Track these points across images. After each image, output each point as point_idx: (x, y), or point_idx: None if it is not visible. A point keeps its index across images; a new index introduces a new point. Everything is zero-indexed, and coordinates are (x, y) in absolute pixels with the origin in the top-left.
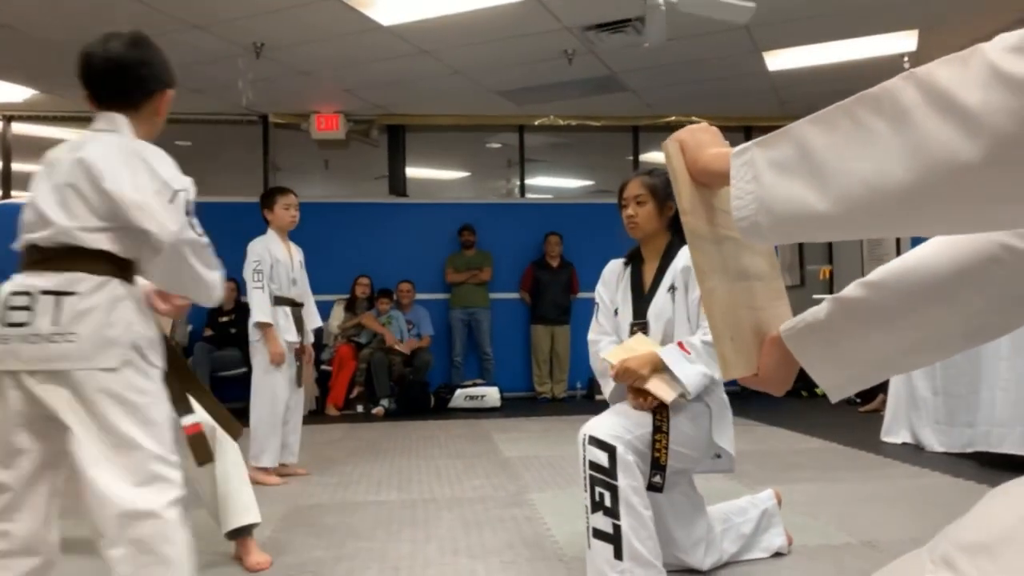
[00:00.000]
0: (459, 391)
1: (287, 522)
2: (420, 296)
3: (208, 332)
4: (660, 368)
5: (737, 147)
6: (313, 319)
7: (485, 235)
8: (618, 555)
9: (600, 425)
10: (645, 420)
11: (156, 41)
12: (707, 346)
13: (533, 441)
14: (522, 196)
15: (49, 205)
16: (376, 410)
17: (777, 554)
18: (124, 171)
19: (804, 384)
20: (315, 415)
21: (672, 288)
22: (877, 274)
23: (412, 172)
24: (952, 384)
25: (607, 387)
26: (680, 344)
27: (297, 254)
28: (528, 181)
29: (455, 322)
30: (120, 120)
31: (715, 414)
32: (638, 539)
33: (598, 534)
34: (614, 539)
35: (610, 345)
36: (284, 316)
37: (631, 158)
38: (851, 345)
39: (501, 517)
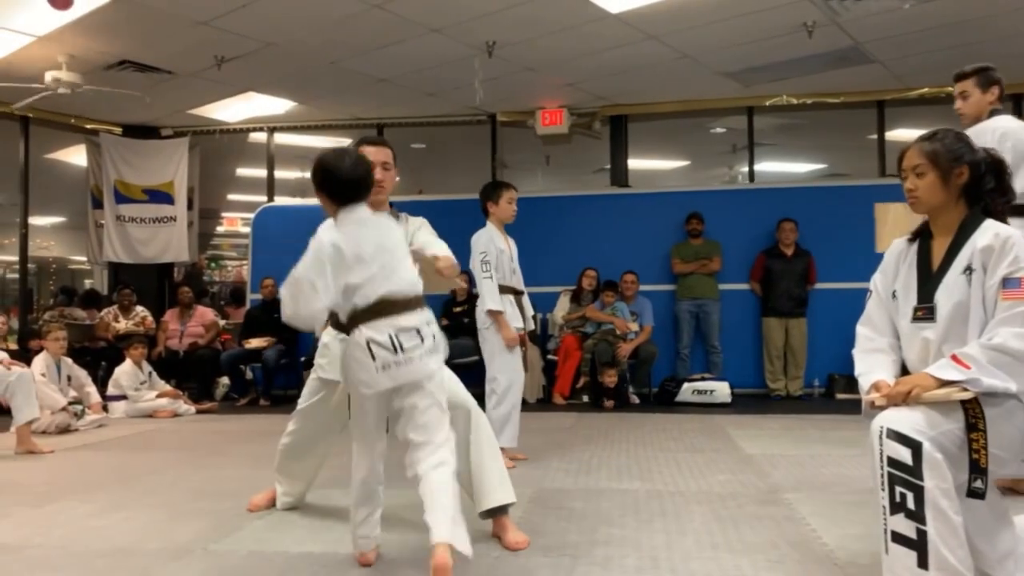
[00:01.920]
0: (686, 385)
1: (535, 505)
2: (644, 287)
3: (443, 322)
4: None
5: None
6: (529, 309)
7: (713, 224)
8: (923, 564)
9: (901, 417)
10: (954, 415)
11: (398, 48)
12: (994, 352)
13: (773, 439)
14: (751, 181)
15: None
16: (632, 399)
17: None
18: None
19: None
20: (543, 403)
21: (968, 269)
22: None
23: (632, 163)
24: None
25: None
26: (954, 357)
27: (514, 247)
28: (756, 167)
29: (682, 313)
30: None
31: None
32: (947, 548)
33: (898, 538)
34: (918, 546)
35: (873, 357)
36: (509, 304)
37: (875, 136)
38: None
39: (757, 515)
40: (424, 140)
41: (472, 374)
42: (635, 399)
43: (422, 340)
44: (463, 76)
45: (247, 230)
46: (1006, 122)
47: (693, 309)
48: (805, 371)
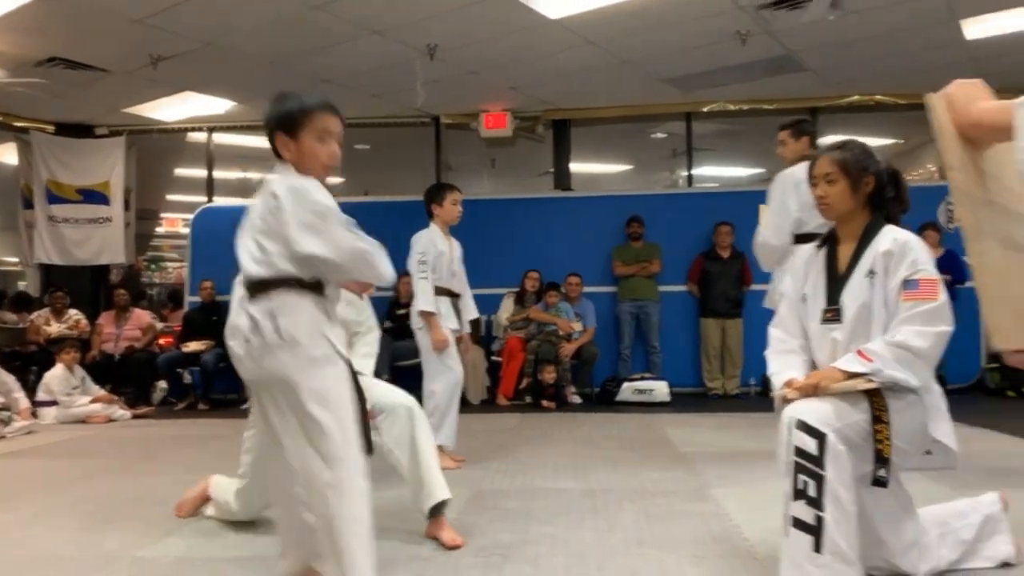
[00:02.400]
0: (626, 384)
1: (472, 505)
2: (587, 289)
3: (387, 324)
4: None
5: (1020, 98)
6: (471, 311)
7: (653, 227)
8: (818, 548)
9: (810, 409)
10: (860, 407)
11: (340, 49)
12: (896, 348)
13: (708, 437)
14: (690, 186)
15: None
16: (574, 399)
17: (1005, 564)
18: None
19: (1011, 383)
20: (486, 405)
21: (871, 272)
22: None
23: (575, 167)
24: None
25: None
26: (859, 352)
27: (457, 248)
28: (695, 171)
29: (623, 315)
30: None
31: (929, 404)
32: (841, 534)
33: (798, 523)
34: (815, 531)
35: (785, 358)
36: (445, 305)
37: None
38: None
39: (685, 511)
40: (369, 141)
41: (416, 376)
42: (577, 399)
43: (259, 332)
44: (406, 78)
45: (187, 231)
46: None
47: (634, 310)
48: (741, 370)
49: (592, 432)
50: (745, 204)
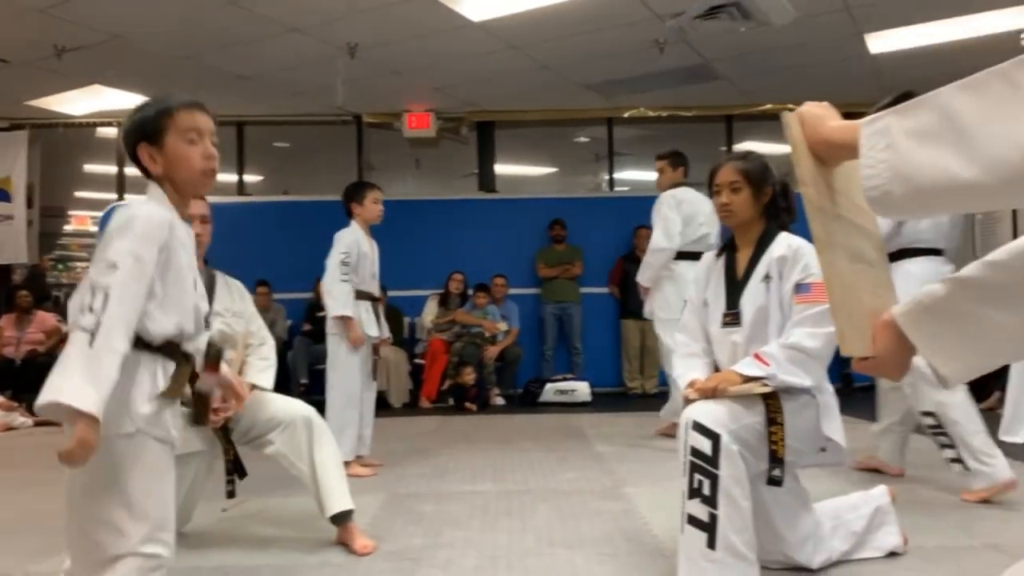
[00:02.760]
0: (549, 385)
1: (386, 510)
2: (512, 291)
3: (307, 327)
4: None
5: (867, 117)
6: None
7: (575, 229)
8: (711, 544)
9: (706, 411)
10: (756, 409)
11: (257, 46)
12: (790, 350)
13: (625, 436)
14: (611, 190)
15: None
16: (497, 401)
17: (892, 554)
18: None
19: None
20: (408, 408)
21: (767, 277)
22: (1001, 253)
23: (500, 168)
24: None
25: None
26: (757, 355)
27: (376, 250)
28: (617, 175)
29: (547, 316)
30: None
31: (822, 404)
32: (734, 530)
33: (693, 521)
34: (709, 528)
35: (689, 361)
36: (365, 310)
37: (724, 148)
38: (972, 327)
39: (598, 510)
40: (289, 139)
41: None
42: (500, 400)
43: None
44: (326, 76)
45: (97, 229)
46: (684, 193)
47: (557, 312)
48: (659, 370)
49: (512, 433)
50: None
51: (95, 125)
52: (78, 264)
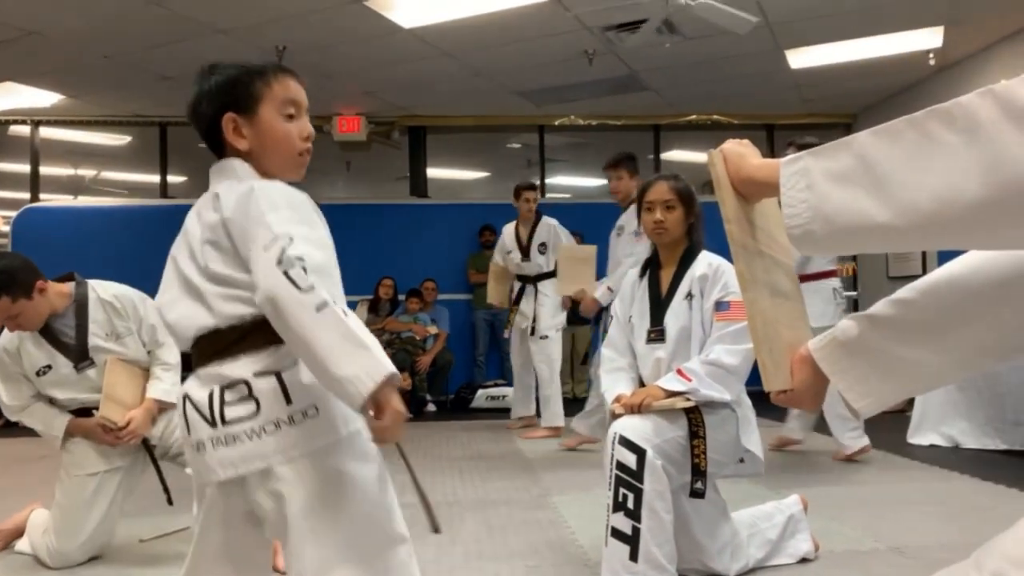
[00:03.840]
0: (480, 391)
1: None
2: (443, 296)
3: None
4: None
5: (787, 157)
6: None
7: None
8: (633, 557)
9: (632, 425)
10: (678, 424)
11: (181, 47)
12: (710, 366)
13: (554, 441)
14: (542, 196)
15: None
16: (429, 407)
17: (804, 560)
18: None
19: None
20: None
21: (689, 295)
22: (908, 291)
23: (433, 173)
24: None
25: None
26: (679, 371)
27: None
28: (548, 181)
29: (478, 322)
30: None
31: (741, 417)
32: (656, 543)
33: (616, 534)
34: (632, 540)
35: (615, 375)
36: None
37: (652, 157)
38: (884, 363)
39: (525, 520)
40: None
41: None
42: (432, 407)
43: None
44: None
45: (7, 229)
46: None
47: (488, 317)
48: (588, 375)
49: (443, 442)
50: (595, 215)
51: (7, 123)
52: None
